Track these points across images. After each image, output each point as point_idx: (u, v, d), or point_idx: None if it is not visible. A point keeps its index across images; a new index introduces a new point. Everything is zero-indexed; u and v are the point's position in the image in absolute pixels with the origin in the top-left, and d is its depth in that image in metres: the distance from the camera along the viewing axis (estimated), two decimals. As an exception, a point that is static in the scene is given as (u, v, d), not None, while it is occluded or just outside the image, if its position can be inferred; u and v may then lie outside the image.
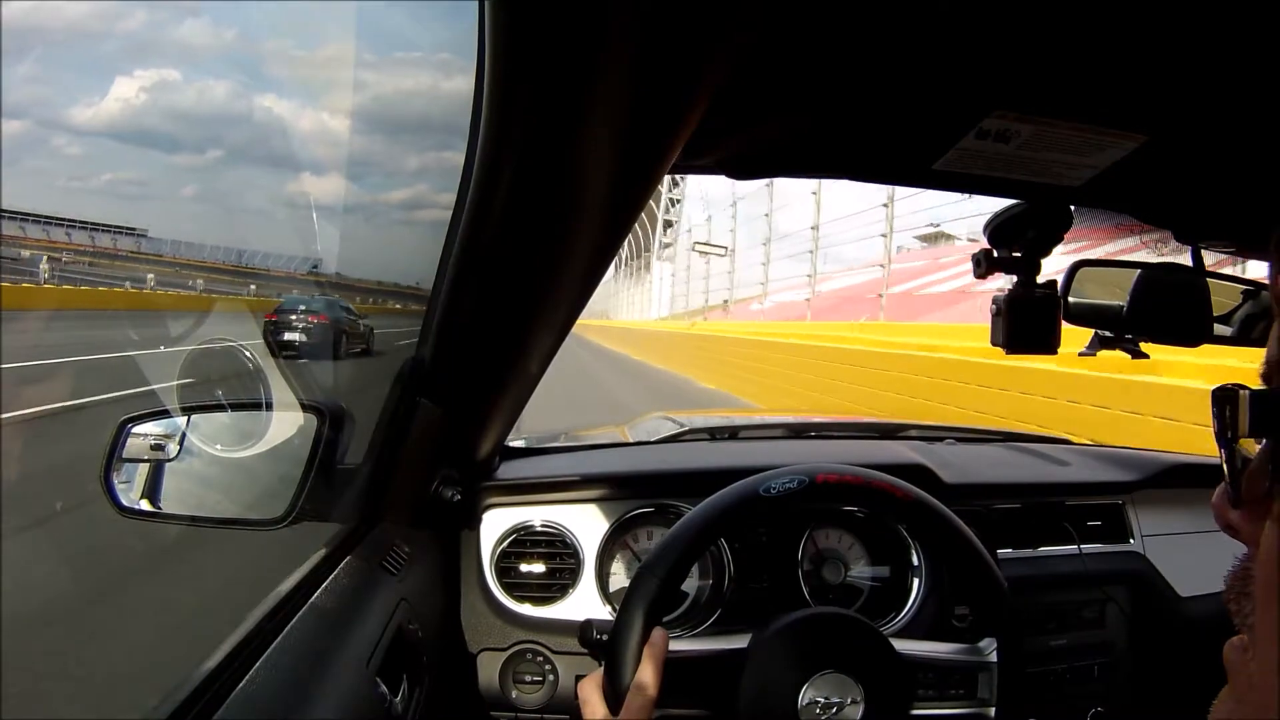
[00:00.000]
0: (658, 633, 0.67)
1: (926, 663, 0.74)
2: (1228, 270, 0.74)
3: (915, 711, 0.72)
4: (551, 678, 0.90)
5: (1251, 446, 0.29)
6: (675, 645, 0.71)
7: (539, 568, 0.95)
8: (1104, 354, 0.74)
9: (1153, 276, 0.70)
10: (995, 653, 0.74)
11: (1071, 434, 1.61)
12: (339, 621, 0.60)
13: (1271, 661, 0.25)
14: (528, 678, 0.91)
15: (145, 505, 0.68)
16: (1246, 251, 0.71)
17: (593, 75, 0.41)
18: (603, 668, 0.68)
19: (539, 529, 0.96)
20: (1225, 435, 0.28)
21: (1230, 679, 0.28)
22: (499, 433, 0.95)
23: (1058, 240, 0.70)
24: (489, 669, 0.91)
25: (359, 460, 0.76)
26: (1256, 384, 0.29)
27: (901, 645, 0.73)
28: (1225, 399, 0.28)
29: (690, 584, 0.96)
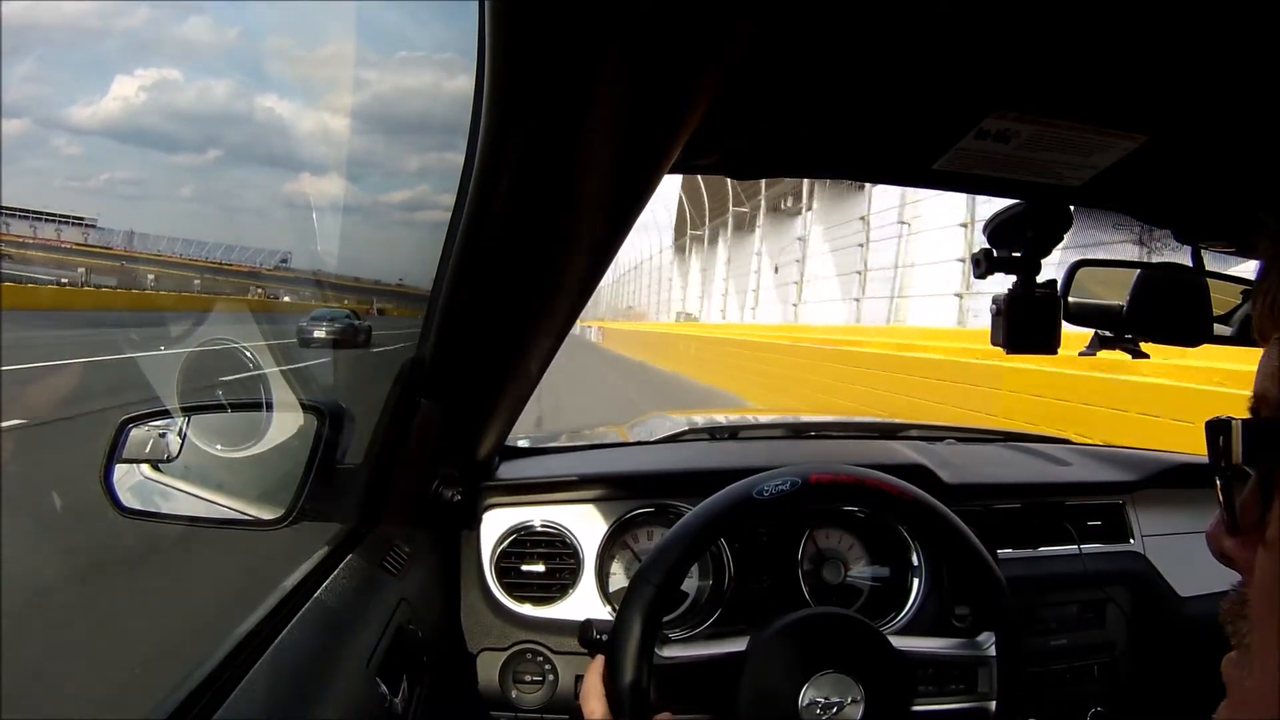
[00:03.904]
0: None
1: (926, 659, 0.74)
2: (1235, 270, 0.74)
3: (916, 707, 0.72)
4: (551, 678, 0.90)
5: None
6: (675, 650, 0.71)
7: (539, 568, 0.95)
8: (1104, 354, 0.74)
9: (1153, 276, 0.70)
10: (994, 647, 0.74)
11: (1071, 434, 1.61)
12: (339, 621, 0.60)
13: (1270, 679, 0.26)
14: (527, 678, 0.91)
15: (145, 505, 0.68)
16: (1246, 252, 0.71)
17: (593, 75, 0.41)
18: (603, 662, 0.68)
19: (539, 529, 0.96)
20: (1219, 464, 0.29)
21: (1229, 693, 0.29)
22: (499, 433, 0.95)
23: (1058, 240, 0.70)
24: (489, 669, 0.91)
25: (359, 460, 0.76)
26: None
27: (900, 642, 0.73)
28: (1219, 429, 0.29)
29: (690, 584, 0.96)
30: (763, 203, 16.95)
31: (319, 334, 8.62)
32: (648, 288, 34.24)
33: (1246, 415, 0.29)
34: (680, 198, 24.11)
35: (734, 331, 15.36)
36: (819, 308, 13.57)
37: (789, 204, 16.00)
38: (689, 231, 25.41)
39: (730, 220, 19.85)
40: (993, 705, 0.74)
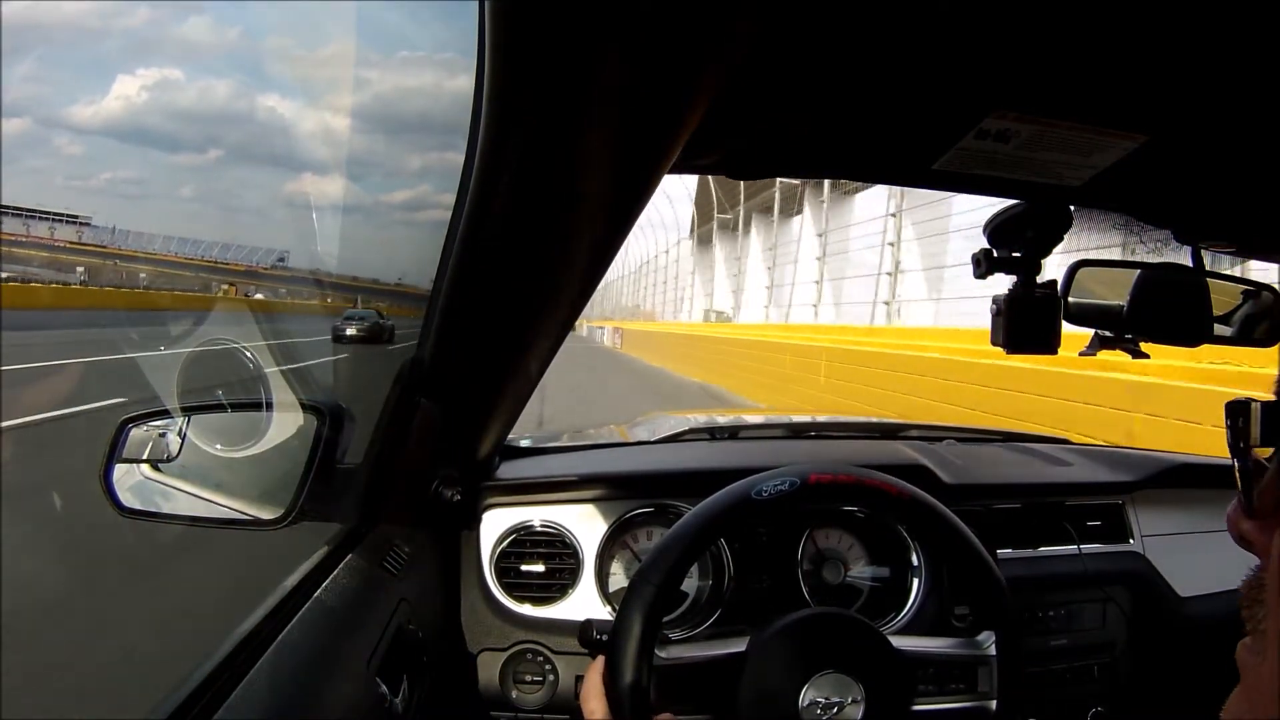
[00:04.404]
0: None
1: (926, 659, 0.74)
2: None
3: (916, 707, 0.72)
4: (551, 678, 0.90)
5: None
6: (675, 650, 0.71)
7: (539, 568, 0.95)
8: (1104, 354, 0.74)
9: (1153, 276, 0.70)
10: (994, 646, 0.74)
11: (1071, 434, 1.61)
12: (339, 621, 0.60)
13: None
14: (528, 678, 0.91)
15: (145, 506, 0.68)
16: (1246, 251, 0.71)
17: (593, 76, 0.41)
18: (603, 663, 0.68)
19: (539, 529, 0.96)
20: (1239, 446, 0.29)
21: (1242, 678, 0.29)
22: (499, 432, 0.95)
23: (1058, 240, 0.70)
24: (489, 669, 0.91)
25: (359, 460, 0.76)
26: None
27: (900, 642, 0.73)
28: (1238, 411, 0.29)
29: (690, 584, 0.96)
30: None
31: (351, 331, 9.74)
32: (654, 286, 30.24)
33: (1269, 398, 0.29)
34: (700, 179, 20.11)
35: (880, 339, 9.53)
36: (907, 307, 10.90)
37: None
38: (716, 215, 20.47)
39: (778, 195, 15.78)
40: (993, 705, 0.74)
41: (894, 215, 10.98)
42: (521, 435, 1.18)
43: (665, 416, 1.58)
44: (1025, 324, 0.71)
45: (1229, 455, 0.30)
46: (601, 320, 34.16)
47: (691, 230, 23.86)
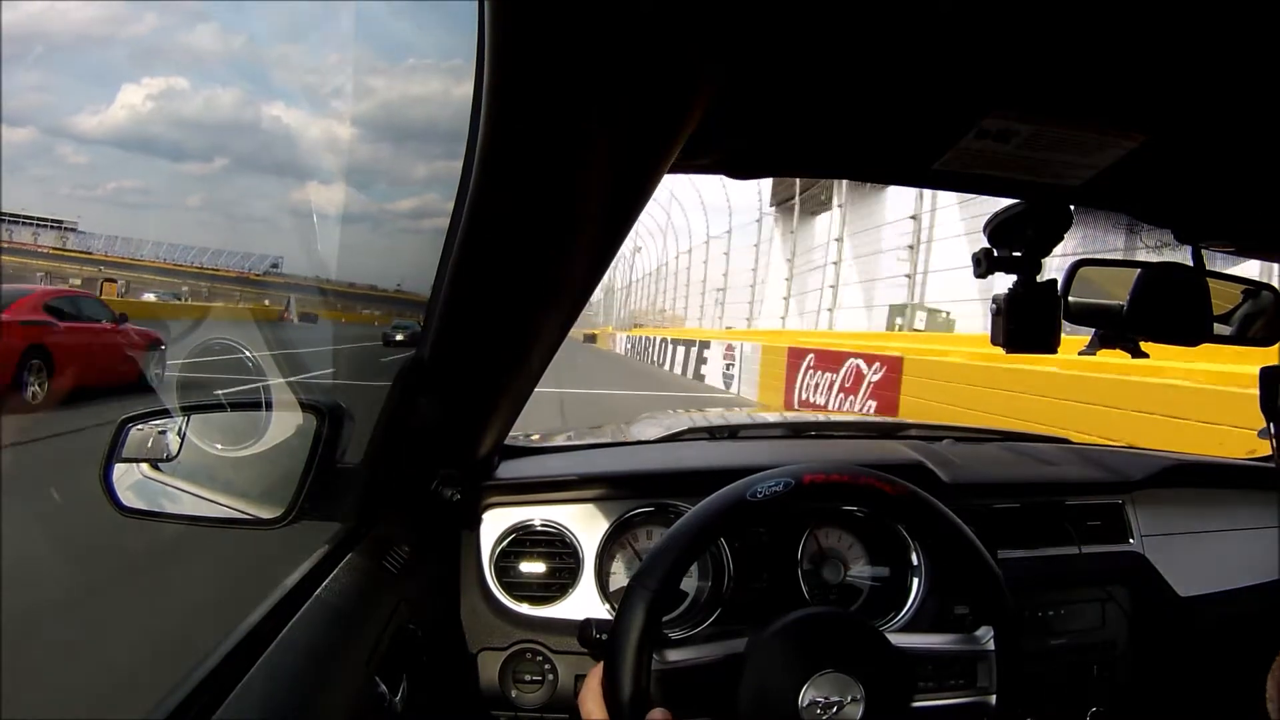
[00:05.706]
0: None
1: (925, 655, 0.74)
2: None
3: (916, 703, 0.72)
4: (551, 677, 0.90)
5: None
6: (675, 654, 0.71)
7: (539, 567, 0.95)
8: (1104, 353, 0.74)
9: (1153, 276, 0.70)
10: (993, 641, 0.74)
11: (1071, 433, 1.61)
12: (339, 621, 0.60)
13: None
14: (527, 677, 0.91)
15: (145, 505, 0.68)
16: (1246, 252, 0.71)
17: (591, 78, 0.41)
18: (602, 668, 0.68)
19: (539, 528, 0.96)
20: (1271, 407, 0.31)
21: None
22: (499, 432, 0.95)
23: (1058, 240, 0.70)
24: (489, 668, 0.91)
25: (359, 459, 0.76)
26: None
27: (899, 639, 0.73)
28: (1271, 377, 0.31)
29: (690, 584, 0.97)
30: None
31: (399, 337, 11.94)
32: (682, 285, 23.76)
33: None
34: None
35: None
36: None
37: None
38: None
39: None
40: (993, 699, 0.74)
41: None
42: (521, 435, 1.18)
43: (665, 416, 1.58)
44: (1025, 323, 0.71)
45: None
46: (677, 330, 20.53)
47: (773, 200, 15.99)
